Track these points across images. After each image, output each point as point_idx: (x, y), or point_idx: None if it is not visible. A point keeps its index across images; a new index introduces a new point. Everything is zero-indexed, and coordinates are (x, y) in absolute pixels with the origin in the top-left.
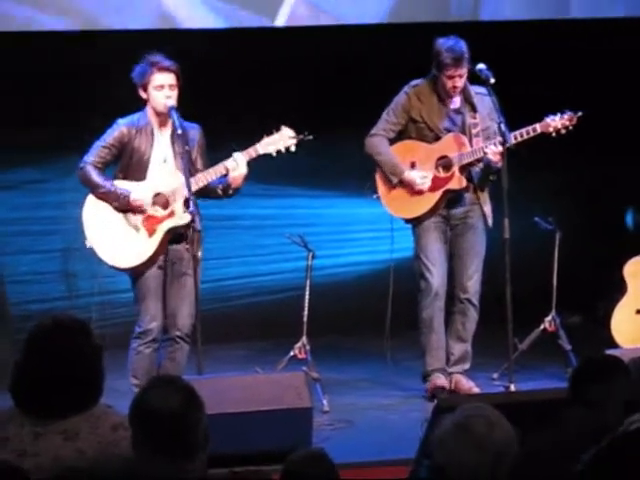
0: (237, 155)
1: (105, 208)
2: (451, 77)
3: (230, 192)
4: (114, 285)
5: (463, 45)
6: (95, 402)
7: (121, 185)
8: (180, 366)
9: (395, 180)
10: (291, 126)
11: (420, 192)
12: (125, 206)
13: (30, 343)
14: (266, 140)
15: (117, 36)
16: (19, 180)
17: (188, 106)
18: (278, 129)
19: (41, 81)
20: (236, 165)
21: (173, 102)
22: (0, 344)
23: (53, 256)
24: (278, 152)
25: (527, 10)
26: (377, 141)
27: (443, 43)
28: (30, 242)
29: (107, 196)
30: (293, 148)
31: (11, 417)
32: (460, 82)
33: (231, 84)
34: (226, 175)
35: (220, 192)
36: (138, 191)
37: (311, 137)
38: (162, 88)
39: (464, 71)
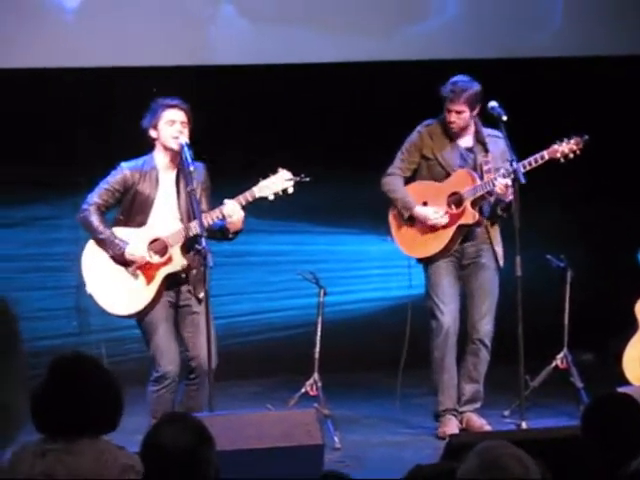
0: (230, 202)
1: (104, 254)
2: (449, 110)
3: (230, 236)
4: (125, 321)
5: (468, 84)
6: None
7: (120, 234)
8: (201, 406)
9: (406, 214)
10: (302, 164)
11: (434, 228)
12: (120, 258)
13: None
14: (263, 183)
15: (132, 74)
16: (32, 216)
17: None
18: (275, 171)
19: (55, 119)
20: (232, 213)
21: (186, 139)
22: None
23: (65, 292)
24: (275, 194)
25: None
26: (392, 179)
27: (452, 78)
28: (42, 278)
29: (105, 243)
30: (290, 190)
31: (23, 458)
32: (454, 118)
33: (241, 122)
34: (224, 218)
35: (219, 235)
36: (134, 243)
37: (308, 179)
38: (173, 123)
39: (460, 108)
